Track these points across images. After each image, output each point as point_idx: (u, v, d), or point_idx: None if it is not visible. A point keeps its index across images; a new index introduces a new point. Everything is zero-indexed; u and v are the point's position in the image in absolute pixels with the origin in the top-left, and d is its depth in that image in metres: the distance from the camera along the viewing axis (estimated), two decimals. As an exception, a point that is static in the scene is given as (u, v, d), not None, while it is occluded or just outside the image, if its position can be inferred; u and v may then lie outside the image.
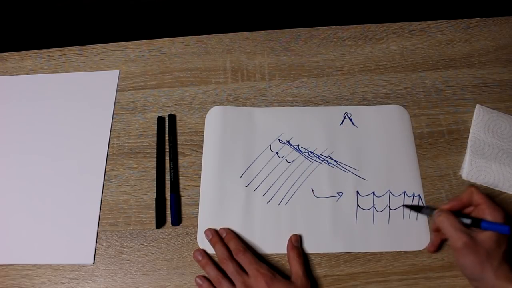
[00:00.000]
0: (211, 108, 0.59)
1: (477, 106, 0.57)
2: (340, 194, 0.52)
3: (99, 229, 0.52)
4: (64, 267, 0.51)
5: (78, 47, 0.65)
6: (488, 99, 0.58)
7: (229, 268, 0.47)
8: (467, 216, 0.45)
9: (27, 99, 0.61)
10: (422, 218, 0.51)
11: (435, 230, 0.49)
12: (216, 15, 0.74)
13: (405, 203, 0.51)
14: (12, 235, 0.52)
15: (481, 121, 0.55)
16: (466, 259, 0.42)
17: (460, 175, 0.53)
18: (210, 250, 0.50)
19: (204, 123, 0.58)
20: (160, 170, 0.55)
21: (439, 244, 0.49)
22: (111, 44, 0.65)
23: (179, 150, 0.56)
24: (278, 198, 0.53)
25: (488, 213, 0.44)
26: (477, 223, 0.43)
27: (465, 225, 0.44)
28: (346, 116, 0.57)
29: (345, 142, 0.55)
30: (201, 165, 0.55)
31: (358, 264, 0.49)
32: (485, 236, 0.42)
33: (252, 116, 0.58)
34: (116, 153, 0.57)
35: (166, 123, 0.58)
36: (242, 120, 0.57)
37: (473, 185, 0.47)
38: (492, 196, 0.52)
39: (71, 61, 0.64)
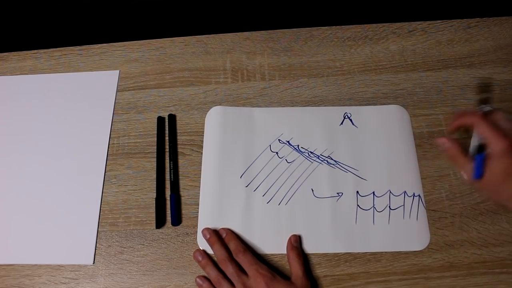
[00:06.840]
0: (211, 108, 0.59)
1: None
2: (340, 194, 0.52)
3: (99, 229, 0.52)
4: (64, 267, 0.51)
5: (78, 47, 0.65)
6: (488, 99, 0.58)
7: (229, 269, 0.47)
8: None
9: (27, 99, 0.61)
10: (422, 218, 0.51)
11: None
12: (216, 15, 0.74)
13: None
14: (12, 235, 0.52)
15: None
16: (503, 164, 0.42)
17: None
18: (210, 251, 0.50)
19: (204, 123, 0.58)
20: (160, 170, 0.55)
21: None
22: (111, 44, 0.65)
23: (179, 150, 0.56)
24: (278, 198, 0.53)
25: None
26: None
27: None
28: (346, 116, 0.57)
29: (345, 142, 0.55)
30: (201, 165, 0.55)
31: (358, 264, 0.49)
32: None
33: (252, 116, 0.58)
34: (116, 153, 0.57)
35: (166, 123, 0.58)
36: (242, 120, 0.57)
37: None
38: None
39: (71, 61, 0.64)
